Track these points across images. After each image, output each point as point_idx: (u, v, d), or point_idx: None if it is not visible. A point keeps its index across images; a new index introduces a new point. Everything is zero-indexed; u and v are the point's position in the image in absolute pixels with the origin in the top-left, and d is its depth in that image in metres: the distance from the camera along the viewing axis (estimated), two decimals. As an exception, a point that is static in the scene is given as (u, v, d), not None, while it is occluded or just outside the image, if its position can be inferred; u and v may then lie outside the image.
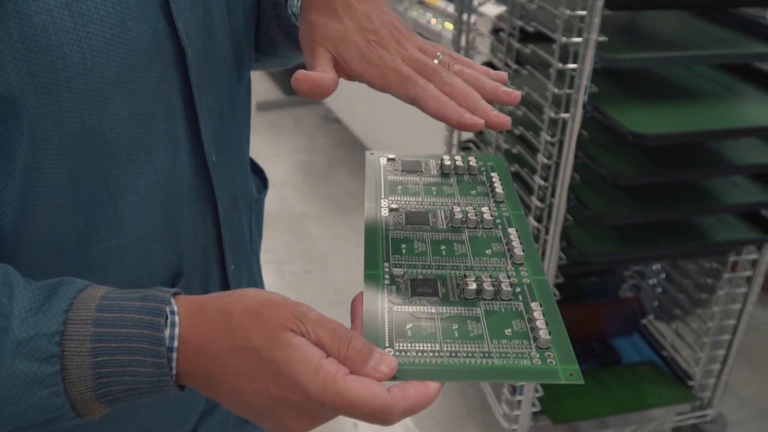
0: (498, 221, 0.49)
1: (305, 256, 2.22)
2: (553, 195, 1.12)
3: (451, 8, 1.82)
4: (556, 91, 1.05)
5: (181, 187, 0.50)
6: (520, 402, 1.31)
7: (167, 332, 0.38)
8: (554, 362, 0.38)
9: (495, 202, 0.51)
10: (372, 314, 0.40)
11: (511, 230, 0.48)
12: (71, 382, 0.37)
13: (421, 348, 0.38)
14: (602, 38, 0.97)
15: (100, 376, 0.37)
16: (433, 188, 0.52)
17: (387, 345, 0.38)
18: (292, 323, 0.36)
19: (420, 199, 0.51)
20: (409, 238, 0.47)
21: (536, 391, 1.30)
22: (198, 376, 0.38)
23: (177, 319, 0.38)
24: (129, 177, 0.45)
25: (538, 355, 0.38)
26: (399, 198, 0.51)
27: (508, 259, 0.45)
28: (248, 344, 0.36)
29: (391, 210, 0.49)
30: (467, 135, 1.59)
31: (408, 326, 0.39)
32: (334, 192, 2.57)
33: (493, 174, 0.54)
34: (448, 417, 1.62)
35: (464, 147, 1.61)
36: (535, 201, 1.16)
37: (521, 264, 0.45)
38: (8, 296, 0.37)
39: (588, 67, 0.99)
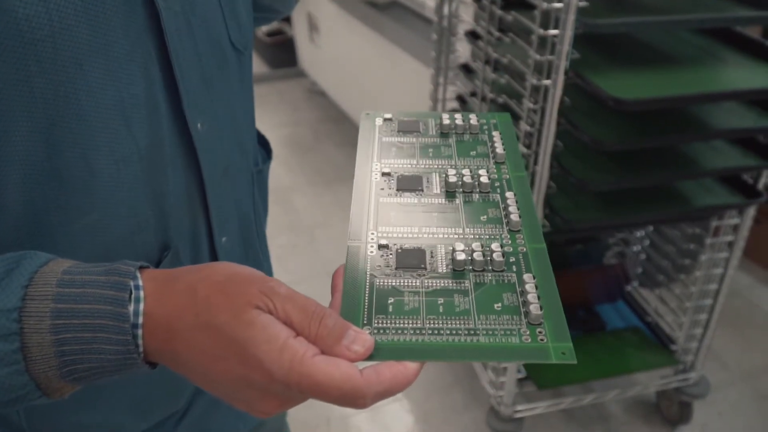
0: (497, 184, 0.45)
1: (292, 229, 2.22)
2: (536, 162, 1.12)
3: (434, -23, 1.80)
4: (537, 57, 1.05)
5: (163, 156, 0.48)
6: (505, 369, 1.33)
7: (131, 308, 0.36)
8: (545, 339, 0.35)
9: (495, 163, 0.48)
10: (352, 288, 0.38)
11: (509, 194, 0.44)
12: (33, 360, 0.35)
13: (402, 325, 0.35)
14: (583, 3, 0.97)
15: (64, 354, 0.35)
16: (430, 150, 0.49)
17: (365, 322, 0.36)
18: (259, 299, 0.34)
19: (415, 162, 0.48)
20: (400, 205, 0.44)
21: (521, 357, 1.32)
22: (165, 353, 0.36)
23: (142, 294, 0.36)
24: (108, 148, 0.44)
25: (528, 332, 0.35)
26: (392, 161, 0.48)
27: (504, 225, 0.42)
28: (212, 321, 0.34)
29: (383, 174, 0.46)
30: (451, 105, 1.58)
31: (390, 300, 0.37)
32: (320, 165, 2.56)
33: (495, 133, 0.50)
34: (436, 386, 1.64)
35: (448, 117, 1.60)
36: (518, 169, 1.16)
37: (518, 231, 0.42)
38: None
39: (569, 33, 0.98)
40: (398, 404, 1.60)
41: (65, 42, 0.40)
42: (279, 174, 2.47)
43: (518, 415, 1.40)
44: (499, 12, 1.21)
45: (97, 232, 0.46)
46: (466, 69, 1.46)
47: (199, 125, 0.50)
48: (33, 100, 0.39)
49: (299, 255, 2.10)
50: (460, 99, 1.52)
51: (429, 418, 1.56)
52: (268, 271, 0.69)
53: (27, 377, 0.36)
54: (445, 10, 1.44)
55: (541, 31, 1.03)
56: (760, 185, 1.23)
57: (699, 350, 1.46)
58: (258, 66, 3.25)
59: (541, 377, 1.39)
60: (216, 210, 0.55)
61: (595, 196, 1.19)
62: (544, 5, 1.00)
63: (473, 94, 1.43)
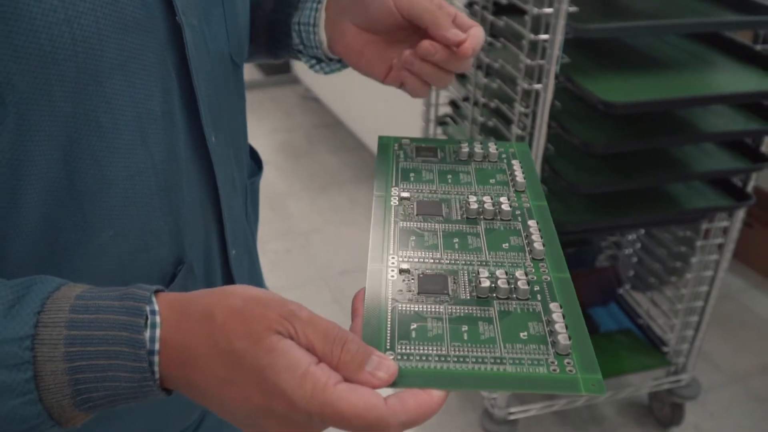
0: (518, 212, 0.45)
1: (286, 235, 2.23)
2: (527, 165, 1.13)
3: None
4: (528, 62, 1.06)
5: (179, 171, 0.47)
6: (499, 371, 1.34)
7: (147, 334, 0.34)
8: (574, 370, 0.34)
9: (516, 191, 0.47)
10: (374, 312, 0.37)
11: (531, 222, 0.44)
12: (46, 389, 0.34)
13: (426, 351, 0.34)
14: (573, 8, 0.98)
15: (77, 382, 0.34)
16: (449, 176, 0.48)
17: (388, 347, 0.35)
18: (279, 324, 0.33)
19: (434, 188, 0.47)
20: (420, 230, 0.43)
21: (515, 359, 1.33)
22: (181, 380, 0.35)
23: (158, 319, 0.35)
24: (124, 163, 0.43)
25: (556, 362, 0.34)
26: (411, 186, 0.47)
27: (527, 254, 0.41)
28: (230, 348, 0.33)
29: (402, 199, 0.46)
30: (444, 110, 1.60)
31: (413, 326, 0.36)
32: (314, 171, 2.57)
33: (514, 161, 0.50)
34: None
35: (441, 122, 1.62)
36: (510, 172, 1.18)
37: (541, 260, 0.41)
38: None
39: (559, 38, 1.00)
40: (393, 407, 1.60)
41: (88, 61, 0.39)
42: (273, 180, 2.48)
43: (512, 417, 1.40)
44: (490, 17, 1.23)
45: (112, 248, 0.45)
46: (458, 74, 1.47)
47: (213, 138, 0.50)
48: (54, 119, 0.39)
49: (293, 260, 2.10)
50: (453, 104, 1.53)
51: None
52: (262, 280, 0.69)
53: (40, 407, 0.34)
54: (438, 15, 1.45)
55: (532, 36, 1.04)
56: (749, 188, 1.25)
57: (690, 352, 1.47)
58: (252, 72, 3.26)
59: (534, 379, 1.40)
60: (230, 223, 0.55)
61: (586, 199, 1.20)
62: (535, 11, 1.01)
63: (466, 99, 1.45)
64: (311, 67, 0.61)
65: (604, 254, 1.69)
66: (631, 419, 1.57)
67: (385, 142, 0.52)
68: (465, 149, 0.51)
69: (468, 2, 1.41)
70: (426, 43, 0.50)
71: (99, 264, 0.45)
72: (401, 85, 0.54)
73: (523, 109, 1.11)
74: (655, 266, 1.52)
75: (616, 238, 1.64)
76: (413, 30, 0.52)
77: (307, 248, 2.16)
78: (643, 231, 1.55)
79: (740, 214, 1.30)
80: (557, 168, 1.12)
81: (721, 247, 1.34)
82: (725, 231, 1.33)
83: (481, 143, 0.51)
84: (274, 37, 0.61)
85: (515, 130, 1.14)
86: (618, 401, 1.61)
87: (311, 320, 0.34)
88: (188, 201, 0.49)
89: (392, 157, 0.51)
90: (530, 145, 1.11)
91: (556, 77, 1.04)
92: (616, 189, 1.17)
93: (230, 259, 0.57)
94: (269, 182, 2.47)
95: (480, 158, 0.51)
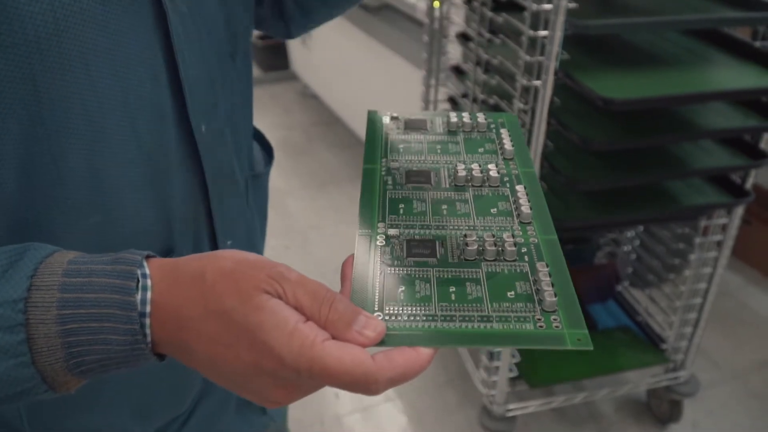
0: (506, 179, 0.46)
1: (285, 232, 2.23)
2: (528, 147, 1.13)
3: (425, -20, 1.81)
4: (527, 58, 1.06)
5: (168, 159, 0.47)
6: (497, 368, 1.34)
7: (138, 296, 0.35)
8: (560, 326, 0.35)
9: (504, 159, 0.48)
10: (362, 276, 0.37)
11: (519, 187, 0.44)
12: (39, 351, 0.34)
13: (413, 312, 0.35)
14: (572, 5, 0.98)
15: (70, 345, 0.35)
16: (438, 147, 0.49)
17: (376, 309, 0.35)
18: (268, 284, 0.34)
19: (423, 158, 0.48)
20: (408, 198, 0.44)
21: (513, 356, 1.33)
22: (174, 343, 0.36)
23: (149, 282, 0.36)
24: (112, 150, 0.43)
25: (542, 319, 0.35)
26: (401, 157, 0.48)
27: (515, 218, 0.42)
28: (220, 308, 0.34)
29: (391, 169, 0.47)
30: (443, 106, 1.59)
31: (400, 289, 0.37)
32: (313, 168, 2.57)
33: (502, 130, 0.51)
34: (429, 385, 1.65)
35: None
36: (509, 168, 1.18)
37: (529, 223, 0.42)
38: None
39: (558, 34, 0.99)
40: (391, 404, 1.61)
41: (71, 41, 0.39)
42: (272, 177, 2.47)
43: (510, 414, 1.40)
44: (489, 14, 1.23)
45: (99, 235, 0.45)
46: (458, 71, 1.47)
47: (203, 128, 0.49)
48: (38, 99, 0.39)
49: (292, 257, 2.10)
50: (452, 101, 1.53)
51: (422, 418, 1.57)
52: None
53: (33, 370, 0.35)
54: (436, 12, 1.45)
55: (531, 33, 1.04)
56: (748, 185, 1.25)
57: (689, 349, 1.47)
58: (250, 69, 3.25)
59: (532, 376, 1.40)
60: (219, 214, 0.55)
61: (585, 196, 1.20)
62: (534, 7, 1.01)
63: (464, 96, 1.44)
64: None
65: (603, 251, 1.69)
66: (629, 416, 1.58)
67: (373, 117, 0.53)
68: (454, 120, 0.51)
69: (467, -1, 1.41)
70: None
71: (84, 250, 0.45)
72: None
73: (522, 106, 1.11)
74: (653, 263, 1.52)
75: (615, 235, 1.64)
76: None
77: (305, 246, 2.16)
78: (641, 228, 1.55)
79: (739, 211, 1.30)
80: (556, 165, 1.12)
81: (719, 244, 1.34)
82: (724, 228, 1.33)
83: (470, 114, 0.52)
84: None
85: (518, 104, 1.14)
86: (616, 398, 1.61)
87: (300, 281, 0.34)
88: (178, 190, 0.49)
89: (381, 131, 0.51)
90: (529, 141, 1.11)
91: (555, 74, 1.04)
92: (615, 186, 1.17)
93: (220, 248, 0.56)
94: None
95: (469, 128, 0.51)
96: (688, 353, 1.48)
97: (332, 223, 2.26)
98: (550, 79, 1.04)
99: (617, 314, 1.62)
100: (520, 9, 1.10)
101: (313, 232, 2.22)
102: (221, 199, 0.54)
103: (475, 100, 1.34)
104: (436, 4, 1.47)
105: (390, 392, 1.63)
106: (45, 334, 0.34)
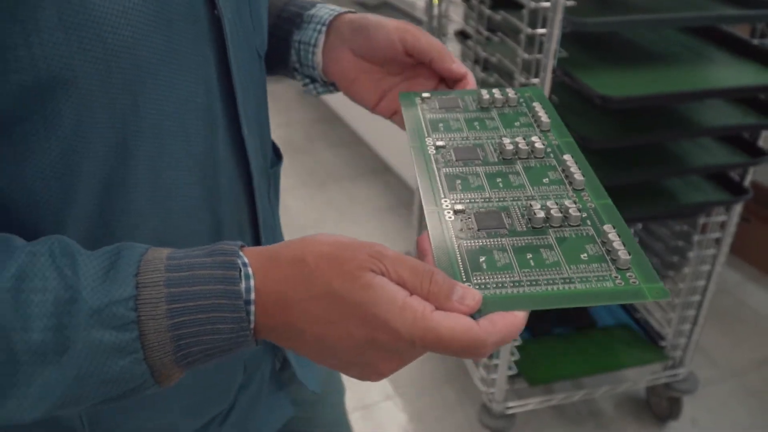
0: (549, 150, 0.47)
1: (285, 230, 2.22)
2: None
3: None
4: (526, 56, 1.06)
5: (217, 163, 0.48)
6: (497, 366, 1.34)
7: (242, 285, 0.36)
8: (637, 282, 0.37)
9: (541, 131, 0.49)
10: (442, 250, 0.39)
11: (566, 156, 0.46)
12: (150, 347, 0.36)
13: (500, 279, 0.37)
14: (570, 2, 0.98)
15: (179, 338, 0.36)
16: (476, 123, 0.50)
17: (464, 279, 0.37)
18: (371, 263, 0.35)
19: (465, 135, 0.49)
20: (463, 174, 0.45)
21: (512, 354, 1.33)
22: (278, 327, 0.37)
23: (250, 270, 0.37)
24: (169, 155, 0.44)
25: (619, 276, 0.37)
26: (442, 135, 0.49)
27: (568, 185, 0.44)
28: (328, 289, 0.35)
29: (438, 147, 0.48)
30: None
31: (481, 259, 0.38)
32: (313, 166, 2.57)
33: (534, 104, 0.52)
34: (428, 383, 1.65)
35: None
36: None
37: (582, 189, 0.43)
38: (71, 266, 0.36)
39: (557, 32, 0.99)
40: (391, 402, 1.61)
41: (144, 50, 0.40)
42: (271, 175, 2.48)
43: (510, 412, 1.41)
44: (487, 12, 1.23)
45: (157, 240, 0.46)
46: (457, 69, 1.47)
47: (246, 131, 0.51)
48: (114, 112, 0.40)
49: (291, 255, 2.10)
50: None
51: (422, 416, 1.57)
52: None
53: (144, 366, 0.36)
54: (435, 10, 1.45)
55: (529, 30, 1.04)
56: (747, 182, 1.25)
57: (688, 346, 1.47)
58: (250, 68, 3.25)
59: (532, 374, 1.40)
60: (262, 214, 0.56)
61: (583, 194, 1.20)
62: (532, 4, 1.01)
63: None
64: (305, 86, 0.63)
65: (602, 249, 1.69)
66: (629, 413, 1.58)
67: (406, 97, 0.54)
68: (486, 96, 0.52)
69: (465, -3, 1.41)
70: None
71: None
72: (392, 116, 0.57)
73: (520, 104, 1.11)
74: (652, 261, 1.52)
75: (614, 233, 1.64)
76: (409, 64, 0.55)
77: (305, 244, 2.16)
78: (640, 226, 1.55)
79: (737, 208, 1.30)
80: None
81: (718, 241, 1.35)
82: (722, 226, 1.33)
83: (500, 90, 0.53)
84: (272, 51, 0.62)
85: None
86: (615, 396, 1.61)
87: (398, 257, 0.36)
88: (225, 193, 0.51)
89: (418, 110, 0.52)
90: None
91: (554, 71, 1.04)
92: (614, 183, 1.17)
93: (262, 245, 0.57)
94: (267, 178, 2.46)
95: (500, 104, 0.53)
96: (686, 350, 1.48)
97: (332, 221, 2.26)
98: (549, 76, 1.04)
99: (616, 312, 1.62)
100: (519, 7, 1.10)
101: (313, 231, 2.22)
102: (261, 201, 0.56)
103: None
104: (435, 1, 1.47)
105: (390, 390, 1.63)
106: (155, 330, 0.35)
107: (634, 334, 1.55)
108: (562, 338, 1.52)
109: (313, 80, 0.62)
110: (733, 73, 1.14)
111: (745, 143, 1.21)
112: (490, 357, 1.34)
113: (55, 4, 0.35)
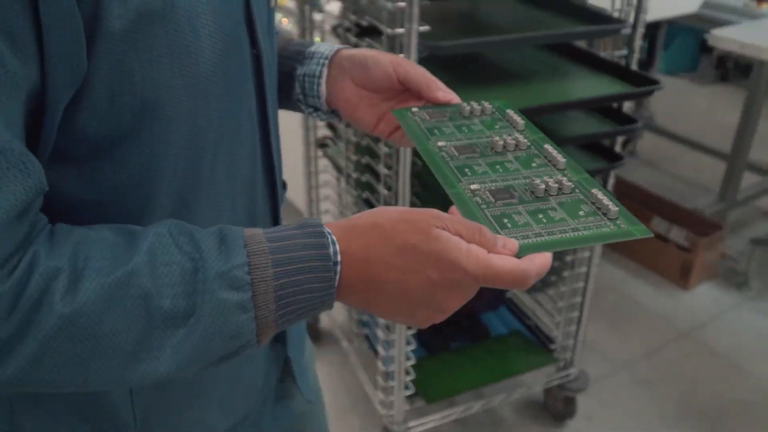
0: (529, 144, 0.58)
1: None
2: (397, 181, 1.15)
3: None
4: (389, 81, 1.08)
5: (255, 181, 0.57)
6: (393, 387, 1.35)
7: (331, 249, 0.44)
8: (626, 226, 0.48)
9: (518, 131, 0.60)
10: (472, 216, 0.48)
11: (547, 146, 0.57)
12: (259, 306, 0.42)
13: (524, 233, 0.47)
14: (424, 28, 1.01)
15: (281, 297, 0.43)
16: (463, 128, 0.61)
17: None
18: (435, 221, 0.44)
19: (458, 137, 0.59)
20: (468, 164, 0.55)
21: (408, 373, 1.34)
22: (359, 284, 0.44)
23: (334, 237, 0.44)
24: (221, 176, 0.52)
25: (611, 224, 0.48)
26: (439, 138, 0.58)
27: (553, 167, 0.55)
28: (406, 243, 0.43)
29: (440, 146, 0.57)
30: (323, 132, 1.61)
31: (505, 220, 0.48)
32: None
33: (508, 111, 0.63)
34: (332, 411, 1.63)
35: (321, 144, 1.62)
36: (382, 189, 1.19)
37: (564, 169, 0.54)
38: (191, 242, 0.42)
39: (413, 56, 1.02)
40: None
41: (219, 78, 0.47)
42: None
43: (411, 431, 1.41)
44: (353, 39, 1.25)
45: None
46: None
47: (275, 156, 0.59)
48: (194, 134, 0.48)
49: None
50: (331, 126, 1.54)
51: (327, 445, 1.55)
52: None
53: (254, 324, 0.43)
54: (307, 37, 1.46)
55: (389, 56, 1.06)
56: (609, 186, 1.32)
57: (575, 346, 1.53)
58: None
59: (428, 391, 1.41)
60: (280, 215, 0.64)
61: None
62: (389, 31, 1.03)
63: (340, 120, 1.46)
64: (309, 114, 0.70)
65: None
66: (528, 418, 1.62)
67: (399, 112, 0.63)
68: (467, 108, 0.62)
69: (334, 26, 1.43)
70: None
71: None
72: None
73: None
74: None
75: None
76: (402, 90, 0.63)
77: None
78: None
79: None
80: (426, 181, 1.14)
81: (592, 244, 1.41)
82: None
83: (477, 102, 0.63)
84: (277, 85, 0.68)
85: (382, 147, 1.16)
86: (514, 402, 1.65)
87: (452, 217, 0.45)
88: (260, 208, 0.59)
89: (413, 121, 0.61)
90: (398, 160, 1.13)
91: (416, 95, 1.06)
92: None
93: None
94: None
95: (479, 113, 0.63)
96: (575, 351, 1.54)
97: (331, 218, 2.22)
98: (412, 100, 1.06)
99: (509, 320, 1.67)
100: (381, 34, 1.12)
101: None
102: (279, 200, 0.64)
103: (348, 125, 1.35)
104: (318, 39, 1.49)
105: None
106: (264, 291, 0.42)
107: (526, 341, 1.60)
108: (457, 352, 1.55)
109: (317, 109, 0.68)
110: (589, 85, 1.21)
111: (604, 150, 1.27)
112: (386, 379, 1.35)
113: (166, 36, 0.42)
